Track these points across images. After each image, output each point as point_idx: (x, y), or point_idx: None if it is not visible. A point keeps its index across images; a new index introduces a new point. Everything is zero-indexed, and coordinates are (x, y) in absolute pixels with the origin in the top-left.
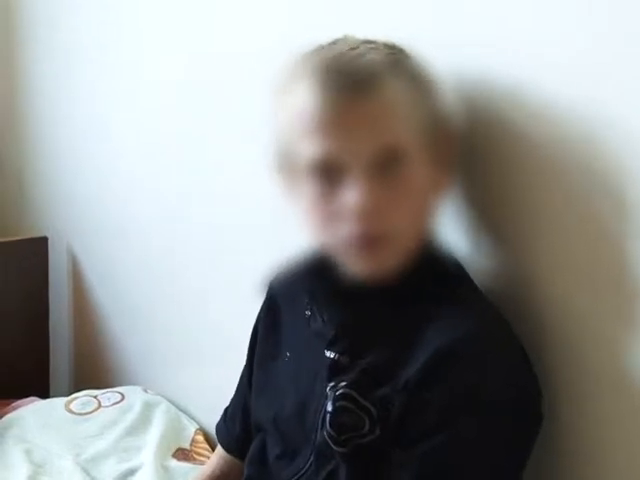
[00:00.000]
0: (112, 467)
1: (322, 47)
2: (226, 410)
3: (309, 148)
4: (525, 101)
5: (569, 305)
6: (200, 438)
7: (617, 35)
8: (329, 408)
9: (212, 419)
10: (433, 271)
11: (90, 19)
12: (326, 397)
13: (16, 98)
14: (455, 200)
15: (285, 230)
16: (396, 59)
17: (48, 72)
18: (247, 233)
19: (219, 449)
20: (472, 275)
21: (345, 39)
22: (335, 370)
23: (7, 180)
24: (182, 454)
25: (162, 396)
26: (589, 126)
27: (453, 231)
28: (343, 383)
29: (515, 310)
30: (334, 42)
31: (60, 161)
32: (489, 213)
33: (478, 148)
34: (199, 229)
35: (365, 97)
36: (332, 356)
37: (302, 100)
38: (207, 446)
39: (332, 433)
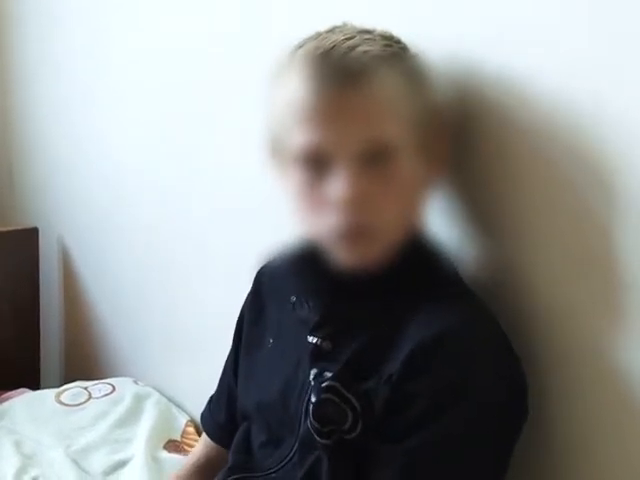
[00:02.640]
0: (103, 458)
1: (319, 34)
2: (211, 399)
3: (298, 137)
4: (517, 92)
5: (558, 297)
6: (191, 430)
7: (612, 26)
8: (313, 399)
9: None
10: (421, 264)
11: (83, 13)
12: (309, 384)
13: (6, 88)
14: (445, 191)
15: (280, 224)
16: (391, 51)
17: (39, 64)
18: (241, 223)
19: (204, 437)
20: (460, 267)
21: (342, 27)
22: (317, 355)
23: None
24: (173, 446)
25: (153, 388)
26: (581, 118)
27: (442, 222)
28: (328, 374)
29: (503, 302)
30: (331, 30)
31: (51, 151)
32: (479, 204)
33: (469, 139)
34: (191, 221)
35: (356, 90)
36: (314, 341)
37: (293, 89)
38: (198, 437)
39: (315, 425)
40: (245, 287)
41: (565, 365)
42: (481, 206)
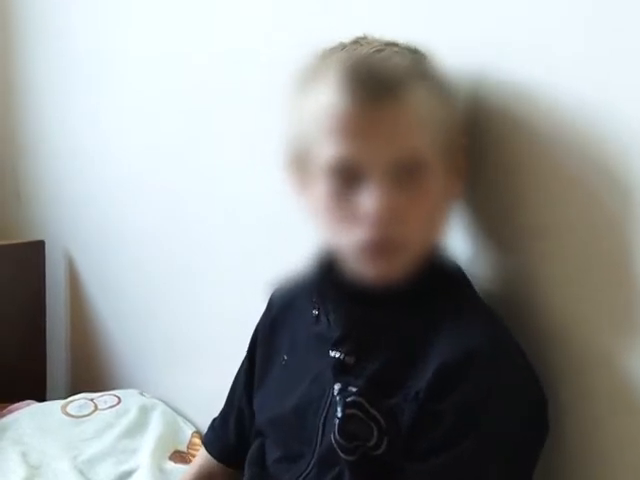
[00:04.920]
0: (109, 469)
1: (344, 46)
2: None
3: (330, 149)
4: (528, 100)
5: (572, 308)
6: (197, 440)
7: (623, 32)
8: (339, 414)
9: (209, 421)
10: (442, 279)
11: (86, 21)
12: (329, 399)
13: (12, 101)
14: (459, 204)
15: (285, 233)
16: (420, 65)
17: (44, 75)
18: (246, 236)
19: (201, 457)
20: (473, 279)
21: (367, 39)
22: (340, 370)
23: (3, 183)
24: (179, 456)
25: (159, 399)
26: (601, 129)
27: (456, 235)
28: (353, 389)
29: (517, 315)
30: (356, 41)
31: (57, 164)
32: (492, 216)
33: (480, 150)
34: (197, 233)
35: (391, 103)
36: (337, 356)
37: (326, 100)
38: None
39: (340, 441)
40: (252, 298)
41: (580, 376)
42: (494, 218)
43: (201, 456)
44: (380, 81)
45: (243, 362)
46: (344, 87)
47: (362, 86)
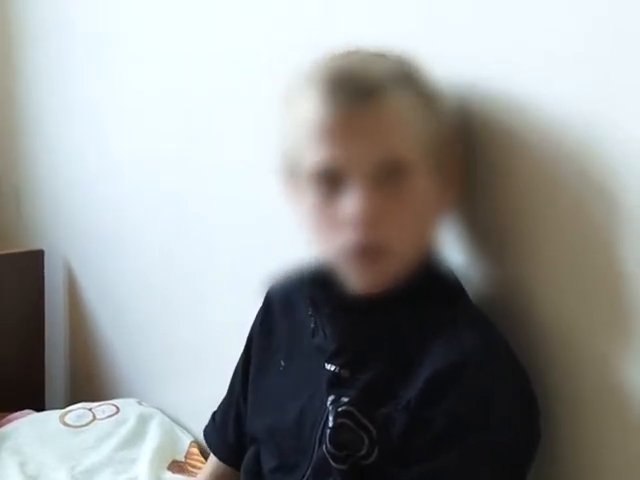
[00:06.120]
0: (107, 479)
1: (333, 57)
2: (214, 415)
3: (312, 155)
4: (521, 111)
5: (565, 315)
6: (195, 450)
7: (613, 42)
8: (330, 424)
9: None
10: (434, 288)
11: (86, 31)
12: (325, 411)
13: (13, 111)
14: (452, 212)
15: (285, 241)
16: (404, 72)
17: (45, 87)
18: (245, 245)
19: (212, 458)
20: (468, 285)
21: (355, 51)
22: (335, 383)
23: (4, 193)
24: (177, 466)
25: (157, 408)
26: (586, 135)
27: (449, 242)
28: (345, 399)
29: (511, 322)
30: (344, 54)
31: (57, 174)
32: (485, 223)
33: (476, 159)
34: (197, 242)
35: (370, 107)
36: (332, 369)
37: (308, 108)
38: (202, 458)
39: (331, 450)
40: (250, 308)
41: (571, 382)
42: (486, 225)
43: (209, 463)
44: (360, 85)
45: (241, 357)
46: (324, 94)
47: (341, 91)
